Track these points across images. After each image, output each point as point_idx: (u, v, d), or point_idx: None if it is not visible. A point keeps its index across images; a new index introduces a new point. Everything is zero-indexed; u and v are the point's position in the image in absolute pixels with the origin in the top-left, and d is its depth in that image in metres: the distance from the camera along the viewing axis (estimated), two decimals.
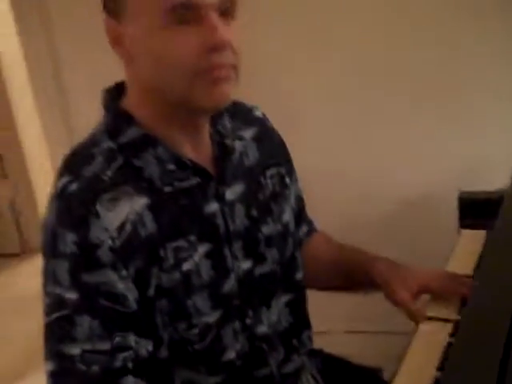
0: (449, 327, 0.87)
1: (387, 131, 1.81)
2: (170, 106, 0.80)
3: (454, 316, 0.90)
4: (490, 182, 1.20)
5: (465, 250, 1.10)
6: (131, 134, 0.81)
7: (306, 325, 1.01)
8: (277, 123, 1.04)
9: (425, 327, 0.89)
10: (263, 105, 1.04)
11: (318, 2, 1.81)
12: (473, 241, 1.12)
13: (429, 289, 0.96)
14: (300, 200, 1.07)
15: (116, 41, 0.79)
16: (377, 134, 1.83)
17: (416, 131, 1.79)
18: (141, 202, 0.79)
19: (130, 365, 0.75)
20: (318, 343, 1.07)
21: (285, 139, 1.05)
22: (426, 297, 0.97)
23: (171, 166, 0.82)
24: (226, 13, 0.77)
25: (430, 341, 0.85)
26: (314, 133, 1.91)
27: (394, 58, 1.77)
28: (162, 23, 0.74)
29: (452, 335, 0.84)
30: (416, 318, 0.92)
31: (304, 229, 1.08)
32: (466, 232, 1.18)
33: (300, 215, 1.07)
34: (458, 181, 1.35)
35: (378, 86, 1.79)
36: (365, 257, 1.03)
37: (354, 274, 1.02)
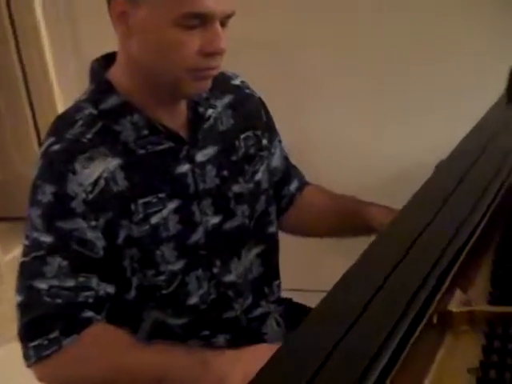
0: None
1: (386, 103, 1.88)
2: (155, 84, 0.91)
3: None
4: None
5: None
6: (112, 101, 0.91)
7: (276, 275, 1.10)
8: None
9: None
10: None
11: None
12: None
13: None
14: (285, 159, 1.15)
15: (120, 16, 0.86)
16: (378, 106, 1.89)
17: (412, 102, 1.84)
18: (114, 162, 0.89)
19: (90, 301, 0.86)
20: (310, 301, 1.13)
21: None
22: None
23: (145, 131, 0.91)
24: (223, 23, 0.87)
25: None
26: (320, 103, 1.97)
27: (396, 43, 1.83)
28: (175, 22, 0.83)
29: None
30: None
31: (295, 184, 1.16)
32: None
33: (288, 173, 1.15)
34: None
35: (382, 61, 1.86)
36: (359, 203, 1.11)
37: (349, 220, 1.11)
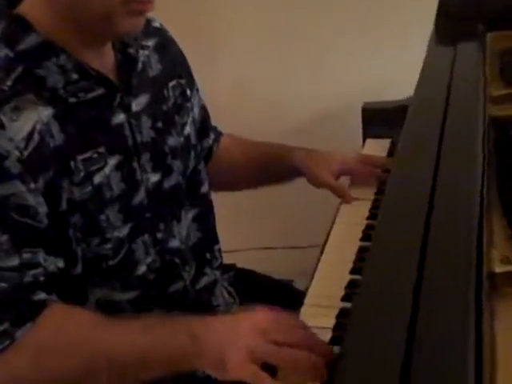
0: (368, 204, 0.97)
1: (294, 43, 1.79)
2: (83, 22, 0.79)
3: (372, 196, 0.99)
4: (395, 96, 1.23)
5: None
6: (30, 41, 0.78)
7: (215, 239, 1.01)
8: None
9: (346, 207, 0.99)
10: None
11: None
12: (376, 149, 1.15)
13: (349, 170, 1.05)
14: (204, 110, 1.07)
15: None
16: (285, 46, 1.81)
17: (321, 43, 1.78)
18: (46, 112, 0.76)
19: (41, 279, 0.73)
20: (231, 261, 1.07)
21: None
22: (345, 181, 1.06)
23: (75, 76, 0.79)
24: None
25: (350, 221, 0.95)
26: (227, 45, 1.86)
27: None
28: None
29: (372, 209, 0.95)
30: (341, 193, 1.02)
31: (212, 136, 1.09)
32: (370, 141, 1.21)
33: (206, 124, 1.07)
34: (364, 94, 1.35)
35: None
36: (280, 147, 1.09)
37: (271, 165, 1.08)
